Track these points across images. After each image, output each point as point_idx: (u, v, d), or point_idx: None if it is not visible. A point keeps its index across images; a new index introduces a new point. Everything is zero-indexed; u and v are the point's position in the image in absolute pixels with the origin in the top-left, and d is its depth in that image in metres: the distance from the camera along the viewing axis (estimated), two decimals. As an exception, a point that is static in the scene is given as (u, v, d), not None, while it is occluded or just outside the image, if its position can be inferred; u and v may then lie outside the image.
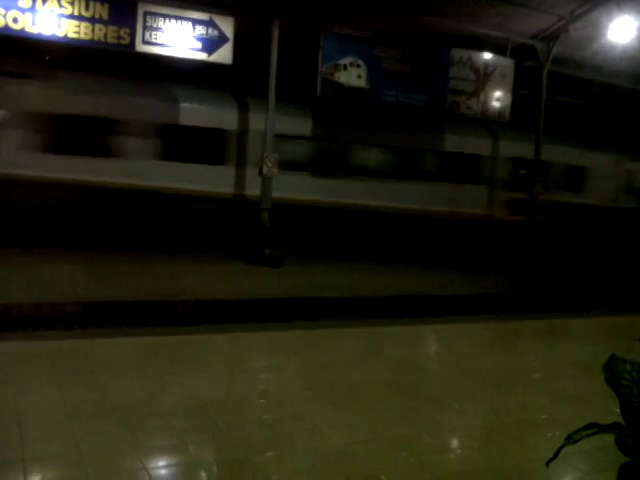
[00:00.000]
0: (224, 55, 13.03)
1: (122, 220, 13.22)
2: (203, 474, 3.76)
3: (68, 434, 4.03)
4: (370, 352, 6.84)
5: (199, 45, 12.87)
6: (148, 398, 4.80)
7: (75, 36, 11.81)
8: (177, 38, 12.66)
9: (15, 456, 3.69)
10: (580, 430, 2.72)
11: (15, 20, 11.35)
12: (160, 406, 4.65)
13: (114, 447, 3.91)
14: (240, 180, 14.38)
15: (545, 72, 16.28)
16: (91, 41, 11.96)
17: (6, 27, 11.29)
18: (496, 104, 16.11)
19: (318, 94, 14.06)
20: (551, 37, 15.81)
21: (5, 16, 11.28)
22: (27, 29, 11.46)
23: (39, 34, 11.58)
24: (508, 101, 16.22)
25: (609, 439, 2.68)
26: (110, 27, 12.08)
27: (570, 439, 2.71)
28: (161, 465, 3.83)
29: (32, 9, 11.46)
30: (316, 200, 14.87)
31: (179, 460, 3.89)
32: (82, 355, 6.02)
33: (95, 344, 6.49)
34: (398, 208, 15.86)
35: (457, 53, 15.53)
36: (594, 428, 2.73)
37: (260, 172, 13.21)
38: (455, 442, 4.60)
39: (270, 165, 13.14)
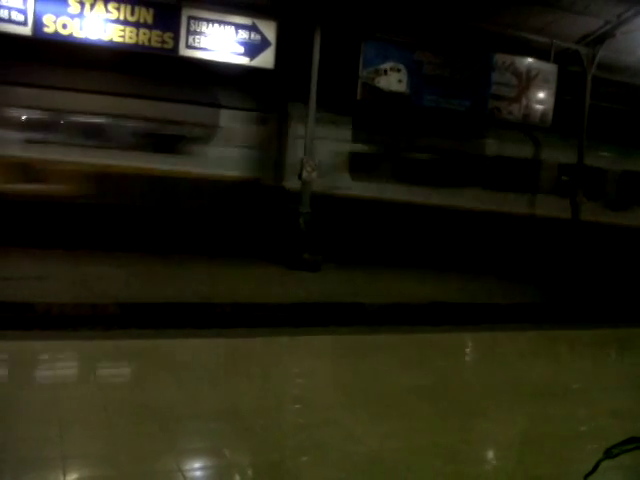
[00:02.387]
0: (266, 60, 13.11)
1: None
2: (237, 477, 3.79)
3: (106, 434, 4.10)
4: (407, 359, 6.80)
5: (241, 50, 12.97)
6: (185, 400, 4.85)
7: (120, 40, 12.03)
8: (220, 42, 12.78)
9: (55, 453, 3.77)
10: (620, 444, 2.67)
11: (64, 26, 11.62)
12: (196, 408, 4.69)
13: (150, 448, 3.96)
14: None
15: (589, 77, 15.99)
16: (135, 45, 12.16)
17: (56, 33, 11.58)
18: (538, 110, 15.88)
19: (358, 99, 14.05)
20: (596, 42, 15.52)
21: (55, 22, 11.56)
22: (75, 34, 11.71)
23: (86, 39, 11.82)
24: (550, 107, 15.97)
25: (650, 455, 2.62)
26: (154, 31, 12.27)
27: (609, 453, 2.65)
28: (196, 467, 3.87)
29: (80, 15, 11.71)
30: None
31: (214, 463, 3.92)
32: (121, 356, 6.12)
33: (134, 345, 6.59)
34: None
35: (499, 58, 15.35)
36: (634, 443, 2.67)
37: (299, 176, 13.25)
38: (491, 453, 4.55)
39: (309, 170, 13.17)
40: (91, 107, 13.12)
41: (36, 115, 12.97)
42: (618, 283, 14.60)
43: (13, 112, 12.75)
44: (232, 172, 14.20)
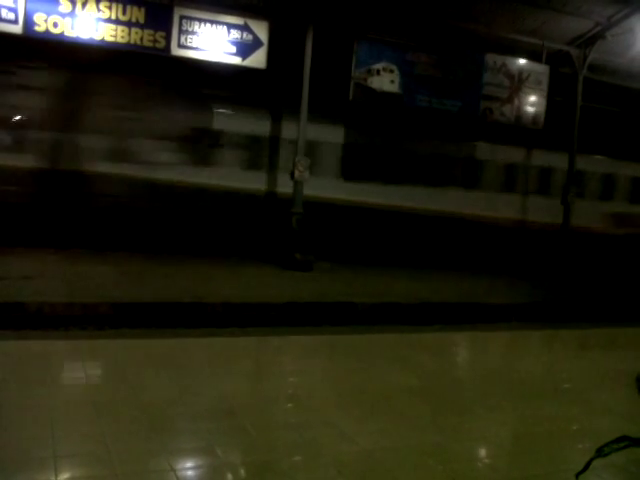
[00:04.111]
0: (258, 60, 13.11)
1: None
2: (230, 476, 3.78)
3: (98, 433, 4.09)
4: (399, 358, 6.81)
5: (233, 49, 12.96)
6: (177, 399, 4.85)
7: (111, 40, 11.99)
8: (212, 42, 12.77)
9: (47, 453, 3.75)
10: (611, 443, 2.68)
11: (55, 25, 11.57)
12: (189, 408, 4.69)
13: (143, 447, 3.95)
14: None
15: (581, 79, 16.07)
16: (127, 44, 12.12)
17: (47, 32, 11.53)
18: (530, 111, 15.94)
19: (350, 99, 14.06)
20: (587, 43, 15.61)
21: (46, 21, 11.51)
22: (66, 33, 11.67)
23: (77, 38, 11.78)
24: (542, 108, 16.04)
25: (641, 453, 2.64)
26: (146, 31, 12.23)
27: (601, 452, 2.67)
28: (189, 466, 3.86)
29: (72, 14, 11.66)
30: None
31: (206, 462, 3.92)
32: (113, 355, 6.10)
33: (126, 344, 6.57)
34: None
35: (491, 59, 15.41)
36: (625, 441, 2.69)
37: (292, 176, 13.26)
38: (483, 451, 4.55)
39: (301, 169, 13.17)
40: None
41: None
42: None
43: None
44: None
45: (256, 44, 13.08)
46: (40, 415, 4.28)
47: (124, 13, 12.05)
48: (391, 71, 14.34)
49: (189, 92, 14.03)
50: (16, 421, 4.18)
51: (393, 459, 4.07)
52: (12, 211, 12.17)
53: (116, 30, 12.01)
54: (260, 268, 12.63)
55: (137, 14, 12.14)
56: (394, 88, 14.45)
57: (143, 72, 13.25)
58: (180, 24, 12.50)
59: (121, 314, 8.43)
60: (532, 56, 15.72)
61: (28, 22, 11.40)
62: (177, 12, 12.49)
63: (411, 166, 16.09)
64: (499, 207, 17.00)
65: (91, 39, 11.87)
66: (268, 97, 14.60)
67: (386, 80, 14.32)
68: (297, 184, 13.29)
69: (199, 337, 7.29)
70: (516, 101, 15.78)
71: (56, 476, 3.52)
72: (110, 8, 11.92)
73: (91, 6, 11.78)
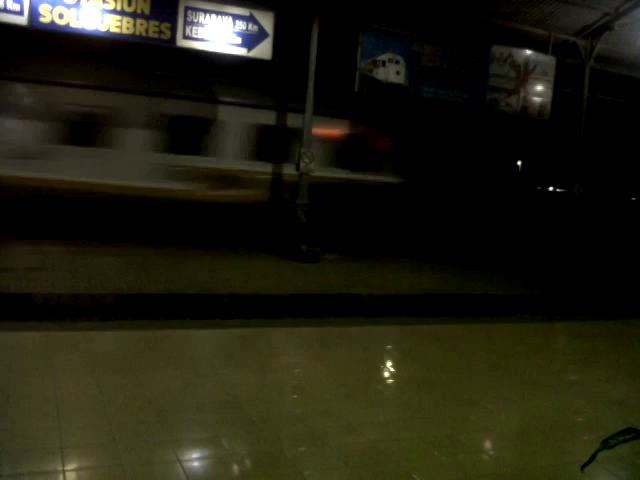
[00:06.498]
0: (264, 51, 13.07)
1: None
2: (235, 467, 3.79)
3: (104, 424, 4.11)
4: (405, 350, 6.81)
5: (239, 40, 12.93)
6: (183, 390, 4.86)
7: (117, 31, 11.97)
8: (217, 33, 12.74)
9: (54, 444, 3.77)
10: (617, 435, 2.68)
11: (61, 16, 11.56)
12: (194, 399, 4.71)
13: (149, 438, 3.97)
14: None
15: (587, 70, 15.98)
16: (132, 36, 12.11)
17: (52, 23, 11.51)
18: (536, 102, 15.88)
19: (356, 90, 14.02)
20: (594, 34, 15.51)
21: (52, 12, 11.49)
22: (72, 25, 11.65)
23: (82, 29, 11.76)
24: (549, 99, 15.97)
25: (647, 445, 2.64)
26: (151, 22, 12.20)
27: (606, 443, 2.67)
28: (194, 457, 3.87)
29: (77, 5, 11.64)
30: None
31: (212, 453, 3.93)
32: (119, 346, 6.12)
33: (132, 336, 6.59)
34: None
35: (497, 50, 15.34)
36: (631, 433, 2.68)
37: (297, 168, 13.24)
38: (488, 443, 4.56)
39: (307, 161, 13.16)
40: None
41: None
42: None
43: None
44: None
45: (261, 35, 13.05)
46: (47, 406, 4.30)
47: (129, 4, 12.02)
48: (397, 62, 14.29)
49: (194, 83, 14.05)
50: (23, 412, 4.20)
51: (399, 450, 4.08)
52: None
53: (121, 21, 11.99)
54: (266, 260, 12.63)
55: (142, 5, 12.11)
56: (400, 79, 14.40)
57: (148, 63, 13.28)
58: (185, 15, 12.47)
59: (127, 305, 8.45)
60: (538, 47, 15.62)
61: (33, 13, 11.38)
62: (182, 3, 12.45)
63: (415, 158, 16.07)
64: None
65: (96, 30, 11.86)
66: (274, 88, 14.58)
67: (392, 71, 14.27)
68: (302, 175, 13.28)
69: (205, 328, 7.31)
70: (522, 92, 15.71)
71: (63, 466, 3.54)
72: (115, -1, 11.92)
73: (96, -3, 11.77)
